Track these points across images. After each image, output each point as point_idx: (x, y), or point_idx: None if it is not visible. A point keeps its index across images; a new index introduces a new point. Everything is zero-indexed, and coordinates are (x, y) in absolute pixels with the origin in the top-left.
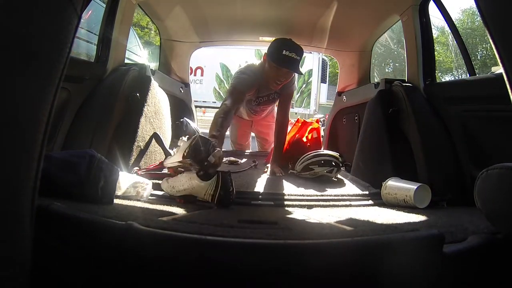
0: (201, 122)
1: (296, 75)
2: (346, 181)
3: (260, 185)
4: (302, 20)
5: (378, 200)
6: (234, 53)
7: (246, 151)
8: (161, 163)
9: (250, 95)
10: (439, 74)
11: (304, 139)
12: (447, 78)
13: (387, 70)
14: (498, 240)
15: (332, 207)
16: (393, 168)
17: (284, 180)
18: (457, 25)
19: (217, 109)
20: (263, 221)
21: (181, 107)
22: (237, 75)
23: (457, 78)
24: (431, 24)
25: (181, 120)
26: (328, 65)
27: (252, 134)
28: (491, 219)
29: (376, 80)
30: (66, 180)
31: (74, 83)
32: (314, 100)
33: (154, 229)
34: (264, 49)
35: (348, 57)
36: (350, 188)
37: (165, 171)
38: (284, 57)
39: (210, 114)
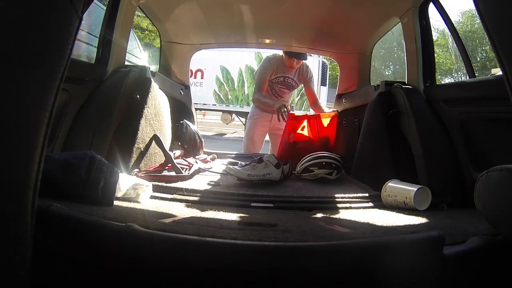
0: (201, 125)
1: (311, 67)
2: (346, 183)
3: (260, 187)
4: (302, 23)
5: (378, 202)
6: (234, 55)
7: (254, 153)
8: (161, 165)
9: (272, 74)
10: (438, 76)
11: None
12: (447, 80)
13: None
14: (498, 242)
15: (332, 209)
16: (393, 170)
17: (284, 182)
18: (457, 27)
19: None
20: (263, 223)
21: (181, 109)
22: (261, 63)
23: (457, 80)
24: (431, 26)
25: (181, 122)
26: (328, 68)
27: (266, 137)
28: (491, 221)
29: None
30: (66, 181)
31: (74, 84)
32: None
33: (154, 231)
34: (264, 51)
35: (348, 60)
36: (350, 190)
37: (165, 172)
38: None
39: (210, 117)
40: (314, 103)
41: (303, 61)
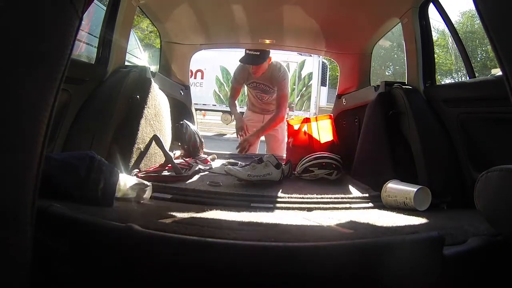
0: (201, 125)
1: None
2: (346, 183)
3: (260, 188)
4: (302, 23)
5: (378, 203)
6: (234, 56)
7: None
8: (161, 165)
9: (245, 81)
10: (438, 76)
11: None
12: (447, 80)
13: None
14: (498, 242)
15: (332, 210)
16: (393, 170)
17: (284, 183)
18: (457, 28)
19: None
20: (263, 224)
21: (181, 110)
22: (235, 69)
23: (457, 80)
24: (431, 26)
25: (181, 122)
26: (328, 68)
27: (262, 138)
28: (491, 221)
29: None
30: (66, 181)
31: (74, 84)
32: (314, 103)
33: (154, 231)
34: None
35: (348, 60)
36: (350, 190)
37: (165, 173)
38: (245, 56)
39: (210, 117)
40: (275, 108)
41: (261, 64)
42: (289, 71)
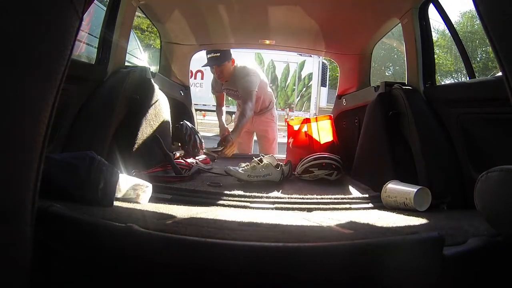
0: (201, 125)
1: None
2: (346, 184)
3: (260, 188)
4: (302, 24)
5: (378, 203)
6: (234, 56)
7: (248, 154)
8: (161, 165)
9: (220, 88)
10: (438, 77)
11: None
12: (447, 81)
13: None
14: (498, 242)
15: (332, 210)
16: (393, 171)
17: (284, 183)
18: (457, 28)
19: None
20: (263, 224)
21: (181, 110)
22: None
23: (457, 80)
24: (431, 26)
25: (181, 123)
26: (328, 69)
27: (255, 138)
28: (491, 222)
29: None
30: (66, 181)
31: (74, 84)
32: (314, 104)
33: (154, 231)
34: (264, 52)
35: (348, 61)
36: (350, 191)
37: (165, 173)
38: (207, 60)
39: (210, 117)
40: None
41: (221, 65)
42: (289, 71)
